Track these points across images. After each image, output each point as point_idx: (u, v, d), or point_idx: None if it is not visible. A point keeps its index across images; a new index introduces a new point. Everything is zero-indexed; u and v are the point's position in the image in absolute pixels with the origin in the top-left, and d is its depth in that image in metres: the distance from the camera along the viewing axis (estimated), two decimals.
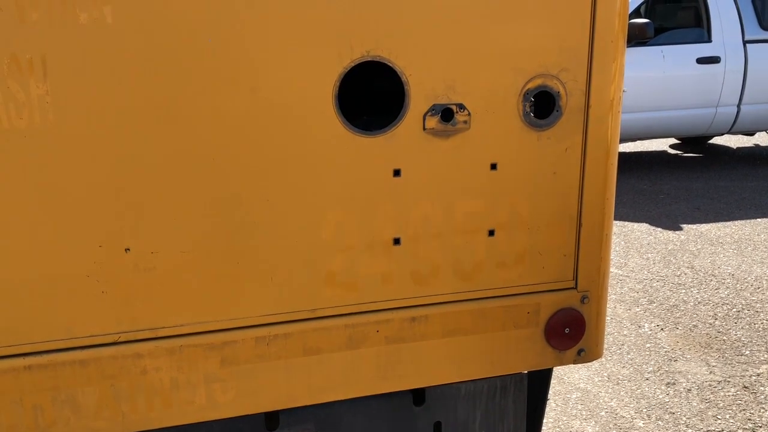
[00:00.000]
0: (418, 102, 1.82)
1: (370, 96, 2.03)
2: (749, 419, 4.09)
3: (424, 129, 1.85)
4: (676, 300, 5.79)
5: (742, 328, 5.26)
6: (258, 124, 1.73)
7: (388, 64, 1.78)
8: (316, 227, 1.84)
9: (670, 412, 4.18)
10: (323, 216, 1.84)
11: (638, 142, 12.21)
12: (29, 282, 1.66)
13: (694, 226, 7.74)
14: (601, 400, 4.35)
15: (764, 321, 5.35)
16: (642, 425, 4.07)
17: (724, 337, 5.12)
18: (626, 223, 7.91)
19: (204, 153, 1.71)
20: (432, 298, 2.00)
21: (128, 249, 1.71)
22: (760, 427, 4.01)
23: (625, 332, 5.25)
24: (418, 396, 2.16)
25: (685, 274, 6.36)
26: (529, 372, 2.24)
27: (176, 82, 1.65)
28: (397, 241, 1.92)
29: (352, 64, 1.76)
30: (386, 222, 1.90)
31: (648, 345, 5.04)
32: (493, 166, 1.94)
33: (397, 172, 1.87)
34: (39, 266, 1.66)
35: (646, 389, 4.45)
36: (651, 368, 4.71)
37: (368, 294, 1.94)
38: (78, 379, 1.75)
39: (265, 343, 1.87)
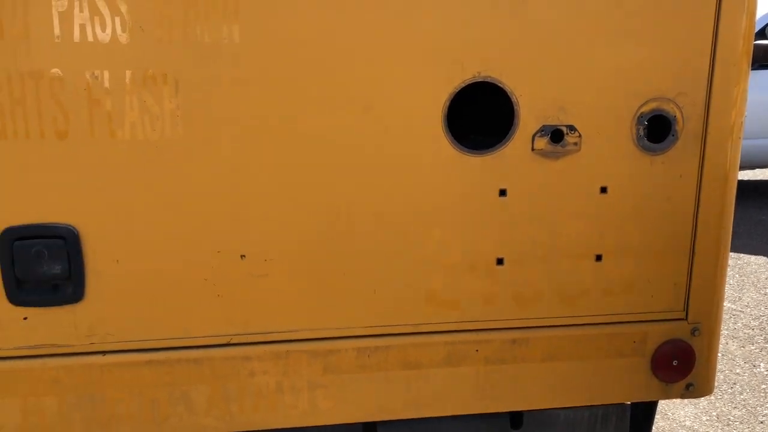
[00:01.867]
0: (527, 122, 1.83)
1: (478, 115, 2.05)
2: None
3: (533, 149, 1.84)
4: None
5: None
6: (369, 141, 1.79)
7: (499, 84, 1.80)
8: (421, 243, 1.87)
9: None
10: (428, 233, 1.87)
11: (758, 171, 11.50)
12: (154, 283, 1.78)
13: None
14: None
15: None
16: None
17: None
18: (742, 255, 7.46)
19: (317, 167, 1.78)
20: (534, 321, 1.97)
21: (244, 256, 1.80)
22: None
23: (737, 371, 4.95)
24: (515, 419, 2.14)
25: None
26: (632, 403, 2.17)
27: (294, 99, 1.74)
28: (500, 262, 1.92)
29: (463, 85, 1.79)
30: (490, 242, 1.90)
31: (763, 386, 4.72)
32: (603, 190, 1.90)
33: (503, 192, 1.87)
34: (163, 268, 1.78)
35: None
36: (767, 411, 4.40)
37: (469, 313, 1.95)
38: (192, 377, 1.85)
39: (367, 355, 1.92)
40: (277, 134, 1.75)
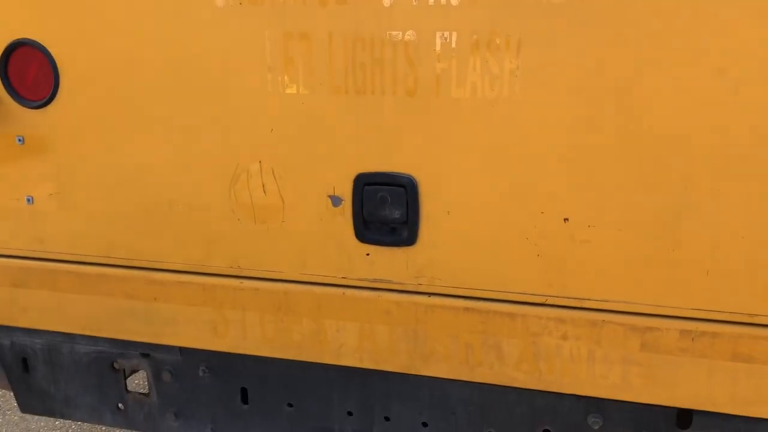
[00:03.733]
0: None
1: None
2: None
3: None
4: None
5: None
6: (719, 108, 1.63)
7: None
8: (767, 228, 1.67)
9: None
10: None
11: None
12: (478, 235, 1.87)
13: None
14: None
15: None
16: None
17: None
18: None
19: (653, 133, 1.68)
20: None
21: (567, 219, 1.80)
22: None
23: None
24: None
25: None
26: None
27: (635, 56, 1.65)
28: None
29: None
30: None
31: None
32: None
33: None
34: (488, 223, 1.86)
35: None
36: None
37: None
38: (505, 330, 1.92)
39: (690, 338, 1.79)
40: (613, 96, 1.68)
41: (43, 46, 2.02)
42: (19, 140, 2.14)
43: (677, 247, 1.75)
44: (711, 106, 1.63)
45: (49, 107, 2.08)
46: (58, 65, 2.04)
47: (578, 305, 1.85)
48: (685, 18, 1.60)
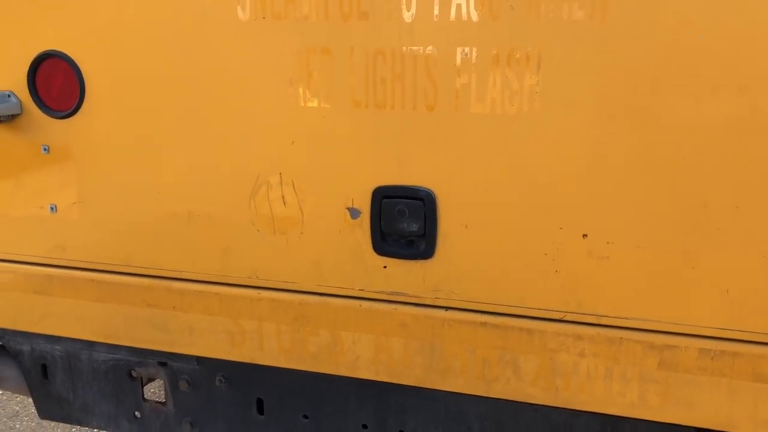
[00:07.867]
0: None
1: None
2: None
3: None
4: None
5: None
6: (740, 128, 1.62)
7: None
8: None
9: None
10: None
11: None
12: (496, 250, 1.87)
13: None
14: None
15: None
16: None
17: None
18: None
19: (674, 153, 1.68)
20: None
21: (586, 235, 1.79)
22: None
23: None
24: None
25: None
26: None
27: (658, 80, 1.65)
28: None
29: None
30: None
31: None
32: None
33: None
34: (506, 238, 1.86)
35: None
36: None
37: None
38: (522, 345, 1.92)
39: (710, 357, 1.77)
40: (633, 112, 1.68)
41: (70, 58, 2.06)
42: (45, 149, 2.18)
43: (696, 264, 1.73)
44: (731, 124, 1.63)
45: (75, 118, 2.12)
46: (84, 77, 2.07)
47: (596, 322, 1.84)
48: (707, 37, 1.60)
